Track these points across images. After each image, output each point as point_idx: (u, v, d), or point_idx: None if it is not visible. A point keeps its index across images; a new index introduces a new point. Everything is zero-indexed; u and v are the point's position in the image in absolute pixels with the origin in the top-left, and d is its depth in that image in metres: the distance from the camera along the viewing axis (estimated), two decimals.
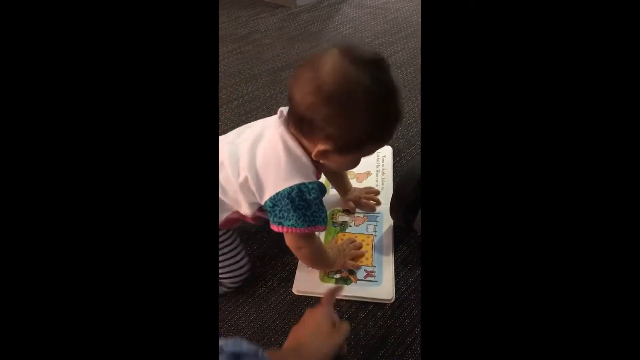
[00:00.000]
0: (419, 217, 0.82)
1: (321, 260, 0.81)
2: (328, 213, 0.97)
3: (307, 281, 0.83)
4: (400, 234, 0.91)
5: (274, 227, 0.69)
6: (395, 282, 0.82)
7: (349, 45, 0.61)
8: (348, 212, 0.97)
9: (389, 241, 0.90)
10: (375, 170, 1.07)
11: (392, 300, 0.79)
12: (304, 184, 0.66)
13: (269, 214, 0.69)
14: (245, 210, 0.72)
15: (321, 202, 0.70)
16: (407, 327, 0.75)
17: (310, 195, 0.67)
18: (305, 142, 0.66)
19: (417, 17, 1.79)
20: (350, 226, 0.94)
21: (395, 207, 0.87)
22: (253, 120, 0.77)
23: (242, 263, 0.81)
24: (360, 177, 1.05)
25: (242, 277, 0.81)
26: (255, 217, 0.75)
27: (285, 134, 0.67)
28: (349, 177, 1.05)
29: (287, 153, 0.66)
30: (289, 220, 0.67)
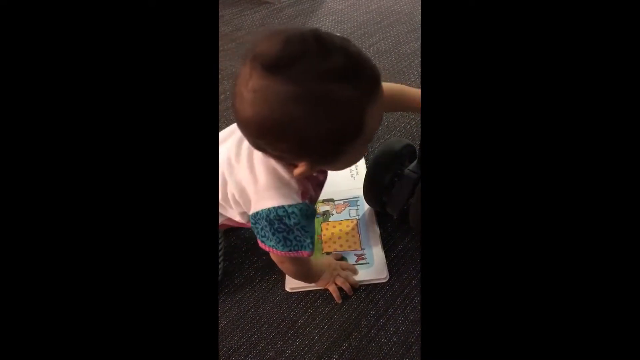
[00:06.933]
0: (414, 213, 0.81)
1: (305, 277, 0.77)
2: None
3: None
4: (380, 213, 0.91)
5: (260, 244, 0.67)
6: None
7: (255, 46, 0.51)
8: (329, 200, 0.96)
9: (372, 222, 0.90)
10: None
11: (387, 279, 0.79)
12: (282, 207, 0.61)
13: (253, 229, 0.66)
14: (239, 218, 0.71)
15: (305, 226, 0.63)
16: (381, 308, 0.75)
17: (290, 220, 0.61)
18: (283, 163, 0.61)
19: (399, 6, 1.78)
20: (333, 214, 0.93)
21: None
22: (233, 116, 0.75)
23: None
24: None
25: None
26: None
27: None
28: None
29: (266, 172, 0.61)
30: (270, 240, 0.64)
